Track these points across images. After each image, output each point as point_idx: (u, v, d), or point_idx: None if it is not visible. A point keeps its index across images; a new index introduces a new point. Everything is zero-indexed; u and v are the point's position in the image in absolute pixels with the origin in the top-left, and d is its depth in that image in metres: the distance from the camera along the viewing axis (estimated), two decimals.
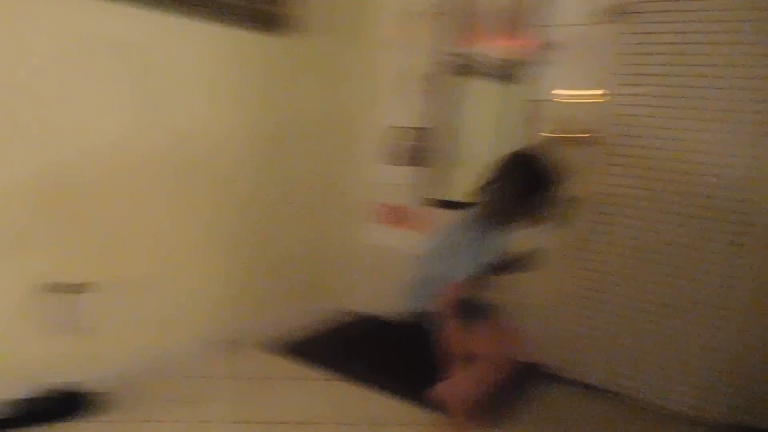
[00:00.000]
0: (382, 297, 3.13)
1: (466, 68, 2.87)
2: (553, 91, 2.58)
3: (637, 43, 2.38)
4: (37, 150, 1.95)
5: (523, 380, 2.53)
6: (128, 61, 2.13)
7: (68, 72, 1.99)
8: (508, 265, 2.11)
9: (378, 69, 3.08)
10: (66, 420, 1.98)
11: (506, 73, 2.76)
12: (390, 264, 3.11)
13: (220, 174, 2.51)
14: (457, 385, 1.97)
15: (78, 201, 2.07)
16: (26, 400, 1.98)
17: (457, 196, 2.83)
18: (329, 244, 3.14)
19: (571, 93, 2.55)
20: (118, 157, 2.15)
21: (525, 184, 1.92)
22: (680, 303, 2.37)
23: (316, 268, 3.09)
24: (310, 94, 2.84)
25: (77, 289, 2.08)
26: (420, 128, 2.98)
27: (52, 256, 2.04)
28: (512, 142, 2.67)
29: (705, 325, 2.33)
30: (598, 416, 2.37)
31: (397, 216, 3.10)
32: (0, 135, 1.85)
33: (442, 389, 2.01)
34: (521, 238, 2.10)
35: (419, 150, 2.99)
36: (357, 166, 3.18)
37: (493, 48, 2.82)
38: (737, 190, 2.24)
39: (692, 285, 2.34)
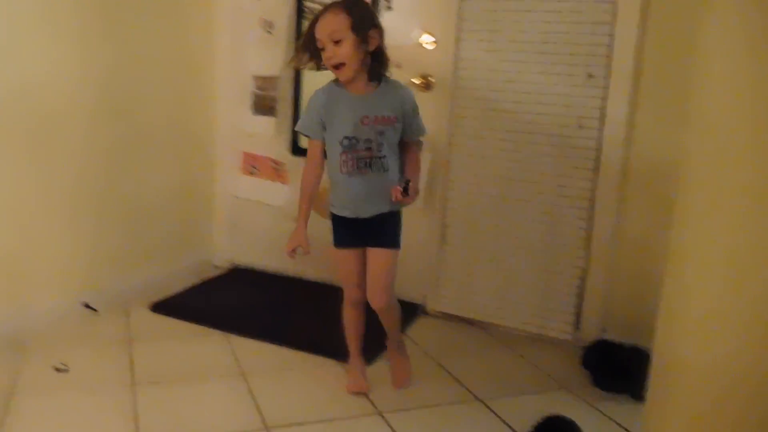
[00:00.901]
0: (249, 248, 3.19)
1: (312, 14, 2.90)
2: (394, 38, 2.66)
3: None
4: None
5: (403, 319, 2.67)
6: None
7: None
8: None
9: (225, 14, 3.03)
10: None
11: None
12: (255, 215, 3.15)
13: (53, 117, 2.37)
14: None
15: None
16: None
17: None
18: (192, 195, 3.10)
19: (412, 39, 2.66)
20: None
21: None
22: (529, 234, 2.57)
23: (180, 220, 3.04)
24: (156, 35, 2.76)
25: None
26: (273, 77, 2.97)
27: None
28: None
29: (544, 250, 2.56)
30: (465, 344, 2.57)
31: (260, 166, 3.11)
32: None
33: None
34: None
35: (274, 99, 2.99)
36: (215, 113, 3.13)
37: None
38: (569, 126, 2.45)
39: (530, 215, 2.56)
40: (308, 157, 1.96)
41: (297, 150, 2.94)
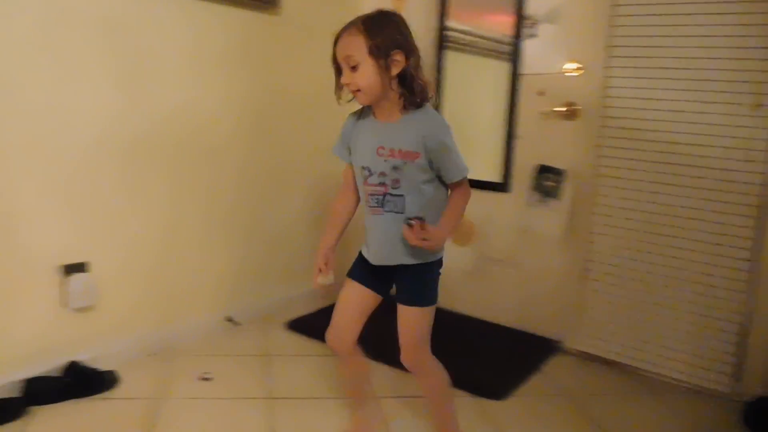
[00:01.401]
0: None
1: (450, 43, 2.89)
2: (538, 66, 2.63)
3: (623, 15, 2.41)
4: (33, 133, 1.99)
5: (532, 352, 2.59)
6: (114, 38, 2.17)
7: (52, 50, 2.02)
8: None
9: None
10: (80, 397, 2.04)
11: (490, 47, 2.80)
12: None
13: (214, 152, 2.55)
14: None
15: (83, 184, 2.13)
16: (42, 378, 2.05)
17: None
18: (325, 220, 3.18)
19: (557, 67, 2.59)
20: (109, 138, 2.19)
21: None
22: (682, 273, 2.38)
23: (317, 243, 3.10)
24: (300, 69, 2.88)
25: (82, 268, 2.15)
26: None
27: (58, 236, 2.09)
28: (496, 117, 2.75)
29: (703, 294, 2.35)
30: (606, 387, 2.41)
31: None
32: None
33: None
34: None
35: None
36: None
37: (476, 23, 2.86)
38: (731, 159, 2.25)
39: (684, 253, 2.37)
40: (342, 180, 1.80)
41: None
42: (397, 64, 1.53)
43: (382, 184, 1.60)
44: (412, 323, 1.68)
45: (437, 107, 2.88)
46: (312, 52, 2.88)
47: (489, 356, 2.53)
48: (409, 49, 1.56)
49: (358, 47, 1.52)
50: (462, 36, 2.89)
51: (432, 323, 1.71)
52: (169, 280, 2.48)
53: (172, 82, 2.37)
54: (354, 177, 1.71)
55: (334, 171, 3.19)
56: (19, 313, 2.03)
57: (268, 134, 2.80)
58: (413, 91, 1.56)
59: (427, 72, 1.60)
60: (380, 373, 2.27)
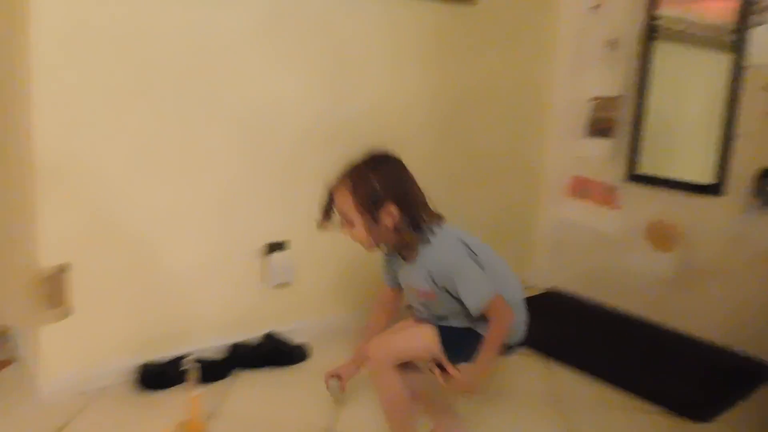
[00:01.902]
0: (569, 273, 3.08)
1: (660, 33, 2.66)
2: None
3: None
4: (240, 121, 2.16)
5: (741, 375, 2.32)
6: (321, 36, 2.28)
7: (272, 45, 2.17)
8: None
9: (567, 37, 2.98)
10: (275, 366, 2.20)
11: (707, 37, 2.53)
12: (579, 240, 3.03)
13: (401, 145, 2.53)
14: None
15: (289, 171, 2.29)
16: (244, 345, 2.23)
17: (652, 171, 2.69)
18: (516, 216, 3.11)
19: None
20: (313, 131, 2.32)
21: None
22: None
23: (502, 239, 3.01)
24: (497, 65, 2.82)
25: (281, 247, 2.31)
26: (614, 98, 2.81)
27: (259, 216, 2.26)
28: (710, 113, 2.48)
29: None
30: None
31: (591, 190, 2.97)
32: (200, 106, 2.07)
33: None
34: None
35: (612, 121, 2.82)
36: (546, 136, 3.11)
37: (692, 9, 2.59)
38: None
39: None
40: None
41: (634, 176, 2.75)
42: (390, 216, 1.51)
43: (428, 314, 1.61)
44: (416, 338, 1.60)
45: (638, 116, 2.70)
46: (506, 44, 2.83)
47: (691, 374, 2.31)
48: (404, 198, 1.53)
49: (346, 204, 1.52)
50: (674, 25, 2.65)
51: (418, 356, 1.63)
52: (362, 266, 2.53)
53: (370, 77, 2.46)
54: (388, 296, 1.76)
55: (525, 165, 3.15)
56: (230, 286, 2.25)
57: (457, 128, 2.79)
58: (405, 245, 1.55)
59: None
60: None
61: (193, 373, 1.69)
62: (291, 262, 2.34)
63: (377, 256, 1.72)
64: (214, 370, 2.07)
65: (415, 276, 1.57)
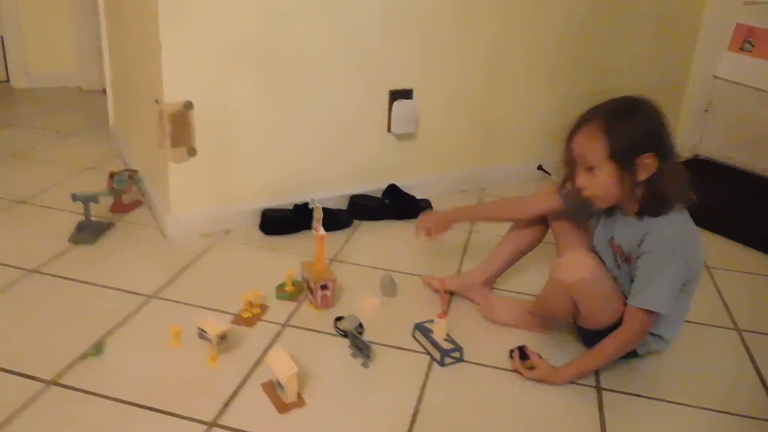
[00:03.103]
0: (720, 138, 2.79)
1: None
2: None
3: None
4: None
5: None
6: None
7: None
8: None
9: None
10: (394, 219, 2.15)
11: None
12: (736, 100, 2.70)
13: None
14: None
15: (416, 14, 2.11)
16: (366, 196, 2.18)
17: None
18: (663, 73, 2.77)
19: None
20: None
21: None
22: None
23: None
24: None
25: (407, 95, 2.18)
26: None
27: (386, 66, 2.13)
28: None
29: None
30: None
31: (757, 41, 2.59)
32: None
33: None
34: None
35: None
36: None
37: None
38: None
39: None
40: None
41: None
42: (646, 168, 1.26)
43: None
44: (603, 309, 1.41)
45: None
46: None
47: None
48: (664, 149, 1.27)
49: (595, 149, 1.28)
50: None
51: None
52: (490, 121, 2.40)
53: None
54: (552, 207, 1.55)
55: (680, 12, 2.74)
56: (358, 136, 2.16)
57: None
58: (658, 200, 1.28)
59: None
60: None
61: (318, 213, 1.63)
62: (414, 110, 2.19)
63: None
64: (335, 219, 2.04)
65: (625, 233, 1.37)
